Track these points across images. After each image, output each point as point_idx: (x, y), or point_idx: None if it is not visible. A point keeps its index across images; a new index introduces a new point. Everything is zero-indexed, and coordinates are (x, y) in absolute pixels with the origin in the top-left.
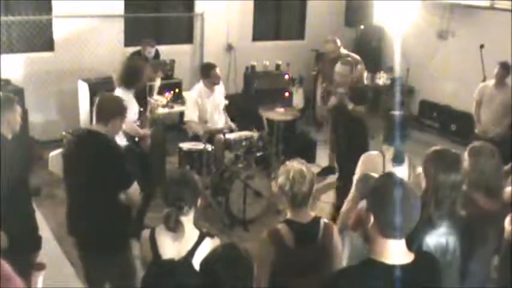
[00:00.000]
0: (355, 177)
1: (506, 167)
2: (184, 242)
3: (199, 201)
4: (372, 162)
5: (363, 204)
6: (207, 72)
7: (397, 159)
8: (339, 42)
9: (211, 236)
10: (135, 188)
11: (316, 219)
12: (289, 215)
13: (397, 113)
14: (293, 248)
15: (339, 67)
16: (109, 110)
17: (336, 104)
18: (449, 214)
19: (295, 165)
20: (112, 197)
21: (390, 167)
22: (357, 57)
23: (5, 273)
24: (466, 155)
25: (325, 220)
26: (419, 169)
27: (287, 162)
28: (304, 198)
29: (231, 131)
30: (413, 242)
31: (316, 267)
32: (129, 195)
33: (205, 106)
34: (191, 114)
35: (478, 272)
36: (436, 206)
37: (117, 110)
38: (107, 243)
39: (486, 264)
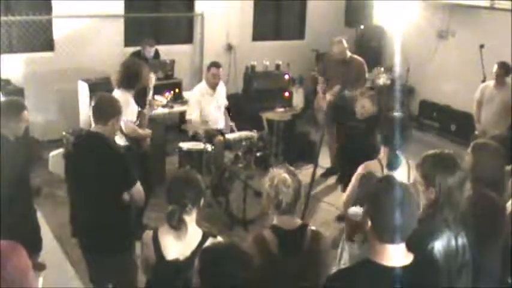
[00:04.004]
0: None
1: (507, 168)
2: (188, 242)
3: (202, 201)
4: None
5: (352, 211)
6: (208, 67)
7: (391, 166)
8: (346, 44)
9: (214, 235)
10: (138, 188)
11: (303, 227)
12: (275, 221)
13: (397, 114)
14: (278, 255)
15: (366, 102)
16: (107, 110)
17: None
18: (460, 214)
19: (281, 173)
20: (116, 197)
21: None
22: (361, 59)
23: (26, 267)
24: (469, 151)
25: (313, 228)
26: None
27: (274, 169)
28: (290, 206)
29: (231, 131)
30: (425, 247)
31: (302, 276)
32: (134, 194)
33: (207, 106)
34: (193, 113)
35: (492, 268)
36: (451, 209)
37: (115, 109)
38: (111, 243)
39: (498, 260)
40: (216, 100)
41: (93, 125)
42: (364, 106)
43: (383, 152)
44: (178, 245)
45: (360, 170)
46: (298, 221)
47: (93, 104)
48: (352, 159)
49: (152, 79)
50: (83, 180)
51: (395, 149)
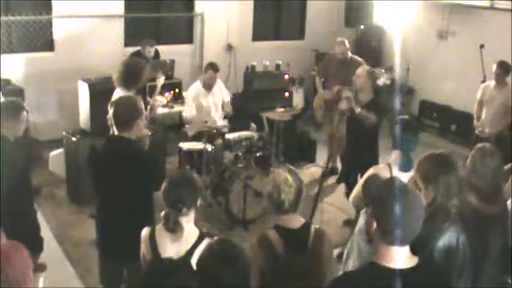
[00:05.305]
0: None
1: (506, 167)
2: (184, 241)
3: (199, 201)
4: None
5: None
6: (205, 69)
7: (403, 167)
8: (347, 45)
9: (211, 236)
10: None
11: (306, 225)
12: (278, 220)
13: (405, 117)
14: (282, 254)
15: (360, 71)
16: (129, 114)
17: (346, 109)
18: (459, 213)
19: (282, 173)
20: (146, 200)
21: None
22: (361, 60)
23: (27, 267)
24: (470, 156)
25: (316, 226)
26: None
27: (274, 170)
28: (292, 205)
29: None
30: (426, 246)
31: (307, 274)
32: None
33: (203, 105)
34: (189, 110)
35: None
36: (448, 209)
37: (137, 112)
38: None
39: (493, 266)
40: (212, 99)
41: (116, 131)
42: (359, 75)
43: (394, 155)
44: (174, 244)
45: (369, 173)
46: (302, 220)
47: (112, 110)
48: (356, 159)
49: (161, 80)
50: (114, 184)
51: (408, 151)
